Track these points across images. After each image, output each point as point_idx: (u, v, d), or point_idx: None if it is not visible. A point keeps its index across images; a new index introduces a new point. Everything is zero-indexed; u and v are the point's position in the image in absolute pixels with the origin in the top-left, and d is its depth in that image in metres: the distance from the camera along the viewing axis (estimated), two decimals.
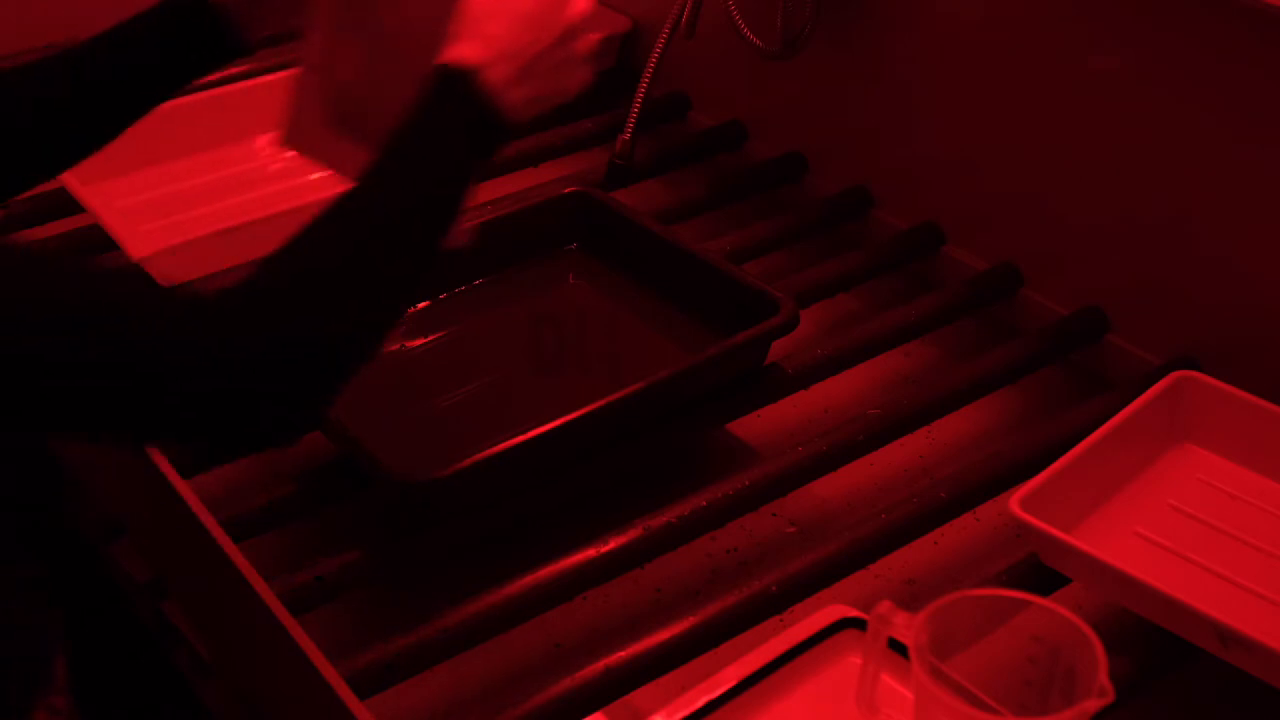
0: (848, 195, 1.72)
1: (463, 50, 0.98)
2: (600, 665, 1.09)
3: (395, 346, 1.43)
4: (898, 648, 1.00)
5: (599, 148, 1.80)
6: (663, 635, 1.11)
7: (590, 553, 1.19)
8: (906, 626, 0.95)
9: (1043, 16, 1.49)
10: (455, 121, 0.98)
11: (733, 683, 1.03)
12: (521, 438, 1.21)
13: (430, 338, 1.45)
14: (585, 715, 1.07)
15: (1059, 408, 1.40)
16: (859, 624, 1.06)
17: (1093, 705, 0.90)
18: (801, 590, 1.17)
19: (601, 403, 1.25)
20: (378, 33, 1.20)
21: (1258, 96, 1.33)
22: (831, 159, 1.76)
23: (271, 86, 1.80)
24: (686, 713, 1.01)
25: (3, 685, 0.96)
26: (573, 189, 1.57)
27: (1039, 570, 1.17)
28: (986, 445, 1.39)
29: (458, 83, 0.97)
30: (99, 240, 1.54)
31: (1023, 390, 1.48)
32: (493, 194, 1.68)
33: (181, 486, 1.13)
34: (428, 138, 0.97)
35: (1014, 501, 1.15)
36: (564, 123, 1.85)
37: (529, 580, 1.16)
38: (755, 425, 1.42)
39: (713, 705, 1.02)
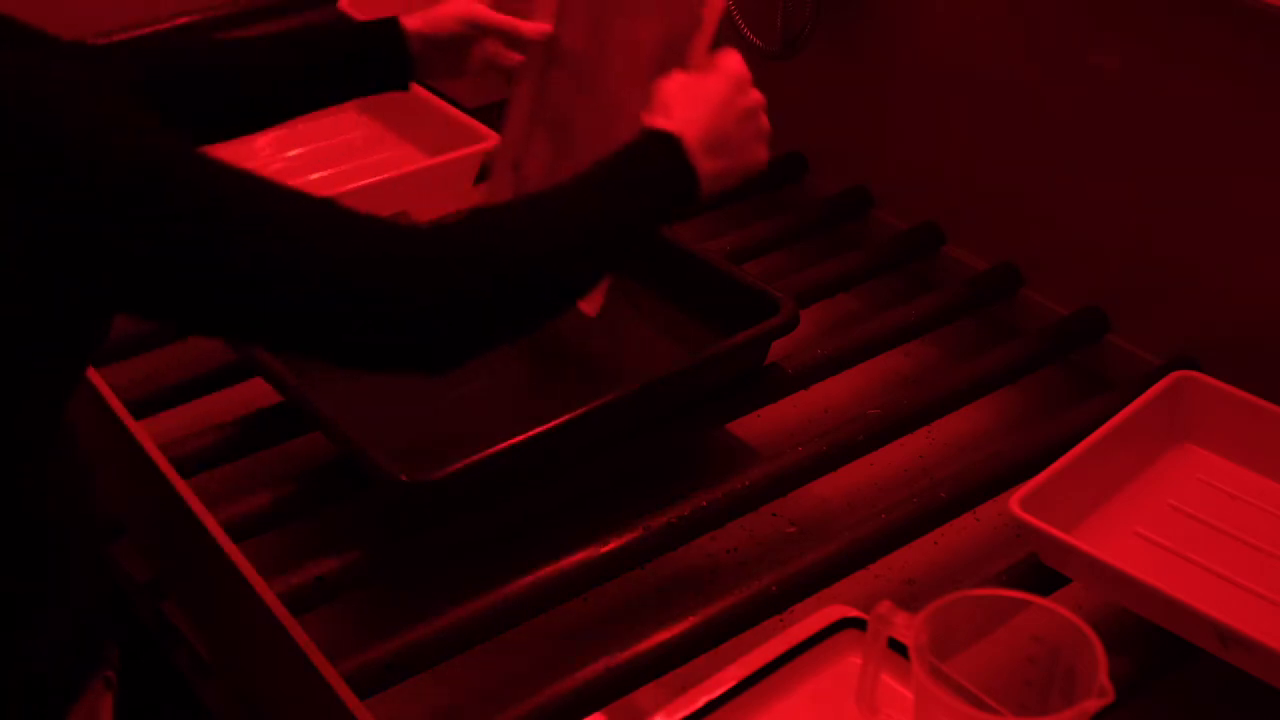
0: (848, 195, 1.72)
1: (665, 122, 1.09)
2: (600, 665, 1.09)
3: None
4: (898, 648, 1.00)
5: None
6: (663, 635, 1.11)
7: (590, 553, 1.19)
8: (906, 626, 0.95)
9: (1043, 17, 1.49)
10: (658, 168, 1.07)
11: (733, 683, 1.03)
12: (521, 437, 1.21)
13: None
14: (585, 715, 1.07)
15: (1059, 408, 1.40)
16: (859, 624, 1.06)
17: (1093, 705, 0.90)
18: (801, 590, 1.17)
19: (601, 402, 1.25)
20: (568, 132, 1.34)
21: (1258, 97, 1.33)
22: (831, 159, 1.76)
23: None
24: (686, 713, 1.01)
25: (64, 659, 0.98)
26: None
27: (1039, 570, 1.17)
28: (986, 445, 1.39)
29: (665, 139, 1.07)
30: None
31: (1023, 390, 1.48)
32: None
33: (181, 486, 1.13)
34: (634, 169, 1.07)
35: (1014, 501, 1.15)
36: None
37: (529, 580, 1.16)
38: (755, 425, 1.42)
39: (713, 705, 1.02)
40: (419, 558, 1.22)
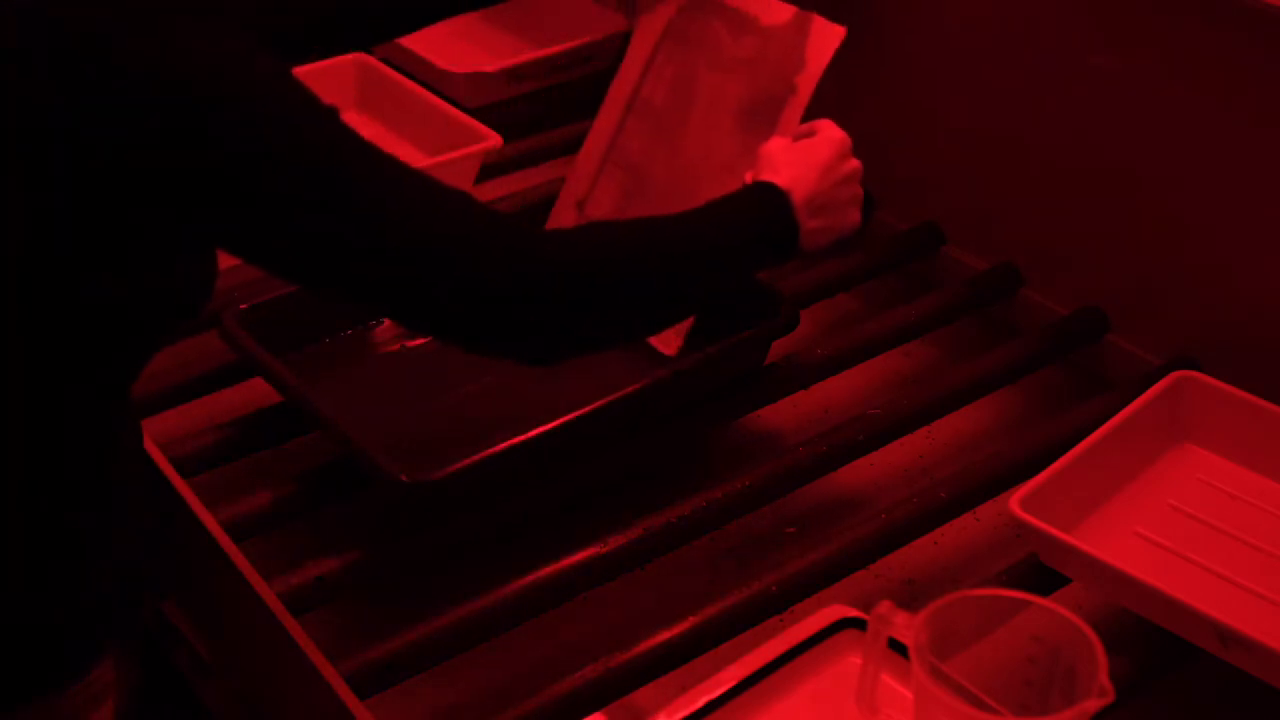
0: None
1: (774, 178, 1.15)
2: (600, 665, 1.09)
3: (395, 347, 1.43)
4: (898, 648, 1.00)
5: None
6: (663, 635, 1.11)
7: (590, 553, 1.19)
8: (906, 626, 0.95)
9: (1043, 17, 1.49)
10: (765, 217, 1.14)
11: (733, 683, 1.03)
12: (521, 438, 1.21)
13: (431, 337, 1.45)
14: (585, 715, 1.07)
15: (1059, 408, 1.40)
16: (859, 624, 1.06)
17: (1093, 705, 0.90)
18: (801, 590, 1.17)
19: (602, 403, 1.25)
20: (639, 179, 1.40)
21: (1258, 97, 1.33)
22: None
23: None
24: (686, 713, 1.01)
25: (118, 593, 1.02)
26: None
27: (1039, 570, 1.17)
28: (986, 445, 1.39)
29: (775, 192, 1.14)
30: None
31: (1023, 390, 1.48)
32: (493, 194, 1.68)
33: (181, 486, 1.13)
34: (743, 214, 1.13)
35: (1014, 501, 1.15)
36: (564, 123, 1.85)
37: (529, 580, 1.16)
38: (755, 425, 1.42)
39: (713, 705, 1.02)
40: (419, 558, 1.22)
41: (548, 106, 1.89)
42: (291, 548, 1.23)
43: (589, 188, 1.43)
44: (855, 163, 1.22)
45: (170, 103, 0.85)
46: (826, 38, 1.35)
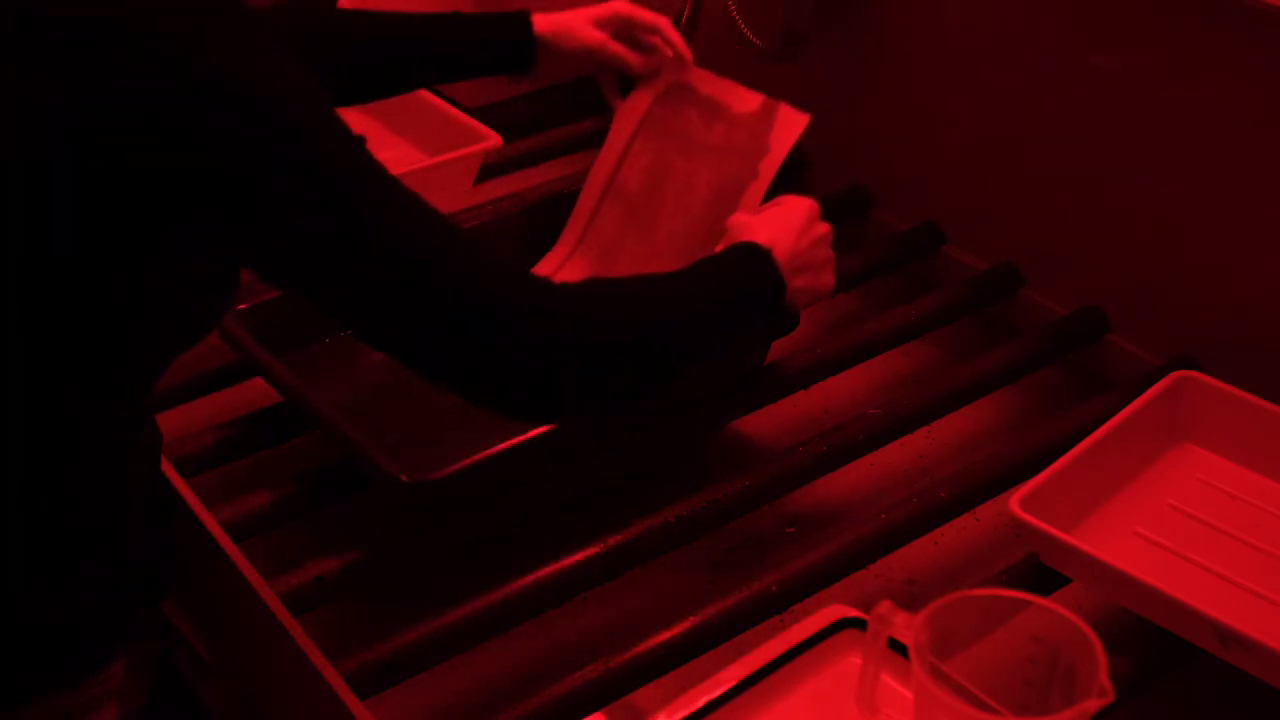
0: (849, 195, 1.72)
1: (755, 237, 1.18)
2: (600, 665, 1.09)
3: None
4: (898, 648, 1.00)
5: (599, 148, 1.80)
6: (663, 635, 1.11)
7: (590, 553, 1.19)
8: (906, 626, 0.95)
9: (1043, 18, 1.49)
10: (753, 273, 1.16)
11: (733, 683, 1.03)
12: (521, 437, 1.21)
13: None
14: (585, 715, 1.07)
15: (1059, 408, 1.40)
16: (859, 624, 1.06)
17: (1093, 705, 0.90)
18: (801, 590, 1.17)
19: None
20: (609, 257, 1.46)
21: (1258, 97, 1.33)
22: (832, 159, 1.76)
23: None
24: (686, 713, 1.01)
25: (122, 597, 1.02)
26: (573, 189, 1.57)
27: (1039, 570, 1.17)
28: (986, 445, 1.39)
29: (757, 249, 1.17)
30: None
31: (1023, 390, 1.48)
32: (493, 194, 1.68)
33: (182, 486, 1.13)
34: (732, 270, 1.16)
35: (1014, 501, 1.15)
36: (564, 123, 1.85)
37: (529, 580, 1.16)
38: (755, 425, 1.42)
39: (713, 705, 1.02)
40: (419, 558, 1.22)
41: (548, 106, 1.89)
42: (291, 548, 1.23)
43: (556, 268, 1.46)
44: (825, 226, 1.25)
45: (187, 101, 0.85)
46: (791, 124, 1.43)
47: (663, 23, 1.46)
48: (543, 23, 1.42)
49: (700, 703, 1.01)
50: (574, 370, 1.02)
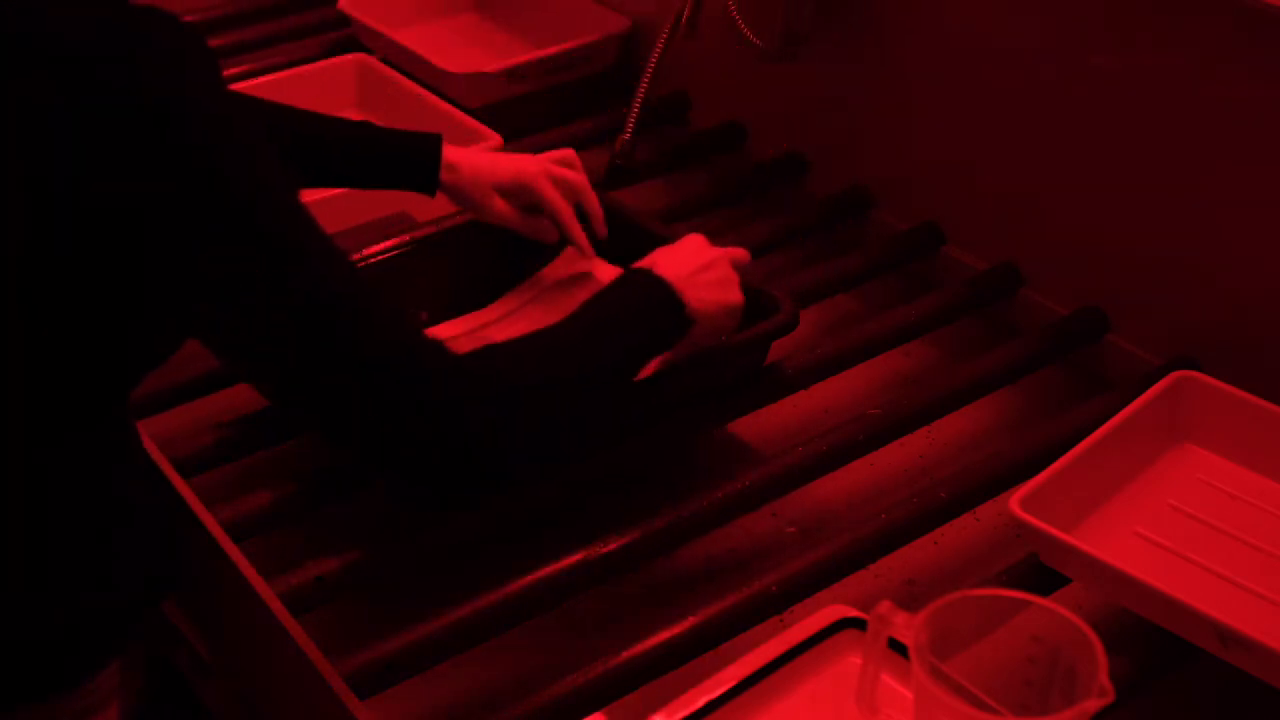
0: (848, 195, 1.72)
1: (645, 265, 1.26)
2: (600, 665, 1.09)
3: None
4: (898, 648, 1.00)
5: (599, 148, 1.80)
6: (663, 635, 1.11)
7: (590, 553, 1.19)
8: (906, 626, 0.95)
9: (1043, 17, 1.49)
10: (647, 298, 1.23)
11: (733, 683, 1.03)
12: None
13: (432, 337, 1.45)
14: (585, 715, 1.07)
15: (1059, 408, 1.40)
16: (859, 624, 1.06)
17: (1093, 705, 0.90)
18: (801, 590, 1.17)
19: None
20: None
21: (1258, 97, 1.33)
22: (831, 159, 1.76)
23: (271, 86, 1.81)
24: (686, 713, 1.01)
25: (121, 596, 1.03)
26: None
27: (1039, 570, 1.17)
28: (986, 445, 1.39)
29: (651, 274, 1.24)
30: None
31: (1023, 390, 1.48)
32: None
33: (182, 486, 1.13)
34: (627, 299, 1.23)
35: (1014, 501, 1.15)
36: (564, 123, 1.85)
37: (529, 580, 1.16)
38: (755, 425, 1.42)
39: (713, 705, 1.02)
40: (419, 558, 1.22)
41: (548, 106, 1.89)
42: (291, 548, 1.23)
43: None
44: (717, 250, 1.31)
45: (144, 128, 0.87)
46: None
47: (565, 214, 1.46)
48: (452, 169, 1.43)
49: (700, 703, 1.01)
50: (482, 435, 1.07)
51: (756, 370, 1.38)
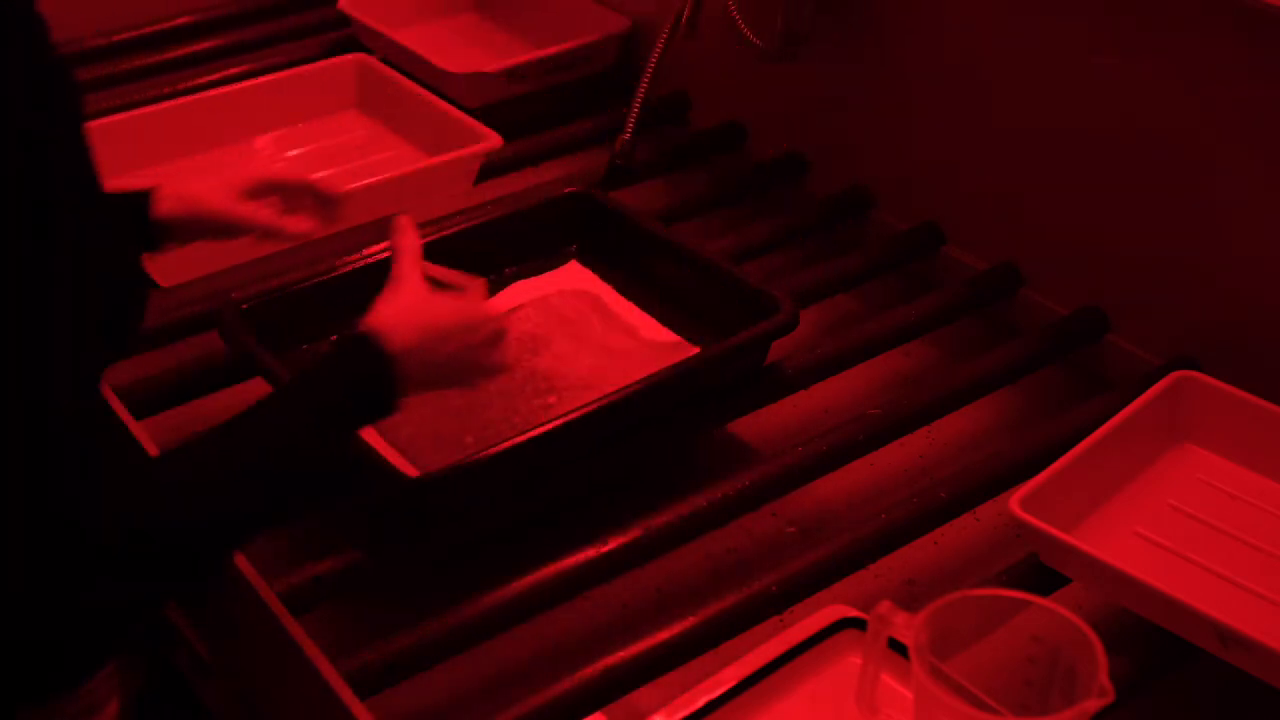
0: (848, 195, 1.72)
1: (377, 323, 1.04)
2: (600, 665, 1.09)
3: None
4: (898, 648, 1.00)
5: (599, 148, 1.80)
6: (663, 635, 1.11)
7: (590, 553, 1.19)
8: (906, 626, 0.95)
9: (1043, 17, 1.49)
10: (350, 380, 1.02)
11: (733, 683, 1.03)
12: (521, 438, 1.21)
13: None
14: (585, 715, 1.07)
15: (1059, 408, 1.40)
16: (859, 624, 1.06)
17: (1093, 705, 0.90)
18: (801, 590, 1.17)
19: (600, 404, 1.25)
20: None
21: (1258, 97, 1.33)
22: (831, 159, 1.76)
23: (271, 86, 1.81)
24: (686, 713, 1.01)
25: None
26: (573, 189, 1.57)
27: (1039, 570, 1.17)
28: (986, 445, 1.39)
29: (365, 343, 1.03)
30: None
31: (1023, 390, 1.48)
32: (493, 194, 1.69)
33: None
34: (321, 392, 1.01)
35: (1014, 501, 1.15)
36: (564, 123, 1.85)
37: (529, 580, 1.16)
38: (755, 425, 1.42)
39: (713, 705, 1.02)
40: (419, 558, 1.22)
41: (548, 106, 1.90)
42: (291, 548, 1.23)
43: None
44: (490, 327, 1.12)
45: None
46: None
47: (259, 217, 1.27)
48: (167, 204, 1.21)
49: (700, 703, 1.01)
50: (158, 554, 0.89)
51: (756, 370, 1.38)
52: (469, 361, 1.11)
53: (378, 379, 1.03)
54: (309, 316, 1.40)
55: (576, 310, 1.48)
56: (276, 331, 1.36)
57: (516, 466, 1.23)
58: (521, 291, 1.51)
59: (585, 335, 1.44)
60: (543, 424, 1.22)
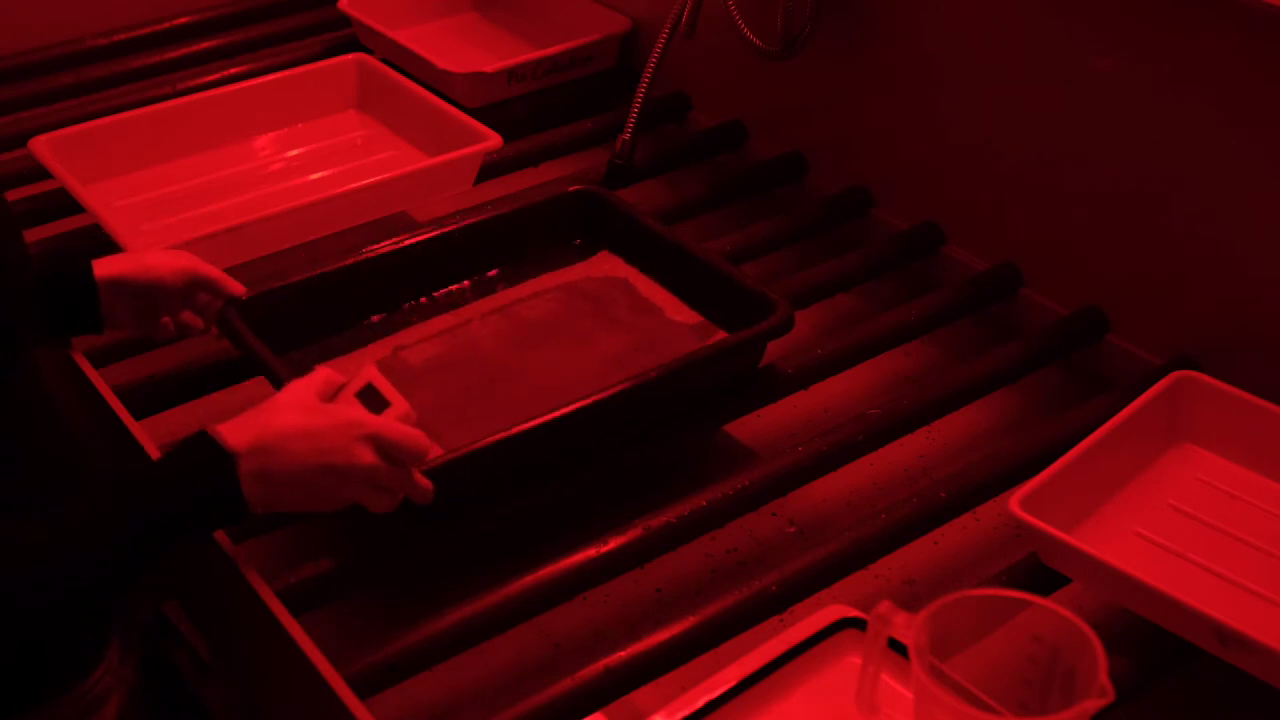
0: (848, 195, 1.72)
1: (232, 433, 1.00)
2: (600, 665, 1.09)
3: (389, 352, 1.43)
4: (898, 648, 1.00)
5: (599, 148, 1.80)
6: (663, 635, 1.11)
7: (590, 553, 1.19)
8: (906, 626, 0.95)
9: (1042, 17, 1.49)
10: (195, 492, 0.99)
11: (733, 683, 1.03)
12: (503, 434, 1.21)
13: (434, 330, 1.45)
14: (585, 715, 1.07)
15: (1059, 408, 1.40)
16: (859, 624, 1.06)
17: (1093, 705, 0.90)
18: (801, 590, 1.18)
19: (586, 401, 1.25)
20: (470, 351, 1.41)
21: (1257, 97, 1.33)
22: (831, 159, 1.76)
23: (271, 86, 1.81)
24: (686, 713, 1.01)
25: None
26: (578, 187, 1.57)
27: (1039, 570, 1.17)
28: (986, 445, 1.39)
29: (217, 460, 0.99)
30: (99, 240, 1.54)
31: (1023, 390, 1.48)
32: (493, 194, 1.69)
33: None
34: (165, 494, 0.98)
35: (1014, 501, 1.15)
36: (564, 123, 1.85)
37: (529, 580, 1.16)
38: (755, 425, 1.42)
39: (713, 705, 1.02)
40: (419, 558, 1.22)
41: (548, 106, 1.90)
42: (291, 548, 1.24)
43: (418, 339, 1.44)
44: (366, 457, 1.03)
45: None
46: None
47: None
48: (107, 266, 1.25)
49: (700, 703, 1.01)
50: None
51: (752, 372, 1.38)
52: (330, 481, 1.03)
53: (211, 471, 0.99)
54: (309, 312, 1.41)
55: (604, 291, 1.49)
56: (276, 327, 1.36)
57: (503, 460, 1.23)
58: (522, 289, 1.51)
59: (613, 315, 1.46)
60: (520, 423, 1.22)
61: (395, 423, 1.05)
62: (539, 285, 1.51)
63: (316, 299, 1.42)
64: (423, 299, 1.48)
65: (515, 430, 1.22)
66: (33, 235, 1.63)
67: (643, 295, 1.49)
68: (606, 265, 1.53)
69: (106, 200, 1.62)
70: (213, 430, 1.00)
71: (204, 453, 0.99)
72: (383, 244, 1.47)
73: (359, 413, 1.05)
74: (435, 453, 1.17)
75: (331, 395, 1.08)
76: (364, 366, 1.11)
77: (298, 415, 1.02)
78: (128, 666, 1.09)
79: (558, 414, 1.23)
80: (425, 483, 1.09)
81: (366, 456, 1.03)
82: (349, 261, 1.44)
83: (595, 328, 1.45)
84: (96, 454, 1.14)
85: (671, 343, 1.41)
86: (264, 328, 1.33)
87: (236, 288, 1.34)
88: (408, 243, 1.47)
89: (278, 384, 1.30)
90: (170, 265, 1.29)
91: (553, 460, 1.28)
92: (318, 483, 1.03)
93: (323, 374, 1.08)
